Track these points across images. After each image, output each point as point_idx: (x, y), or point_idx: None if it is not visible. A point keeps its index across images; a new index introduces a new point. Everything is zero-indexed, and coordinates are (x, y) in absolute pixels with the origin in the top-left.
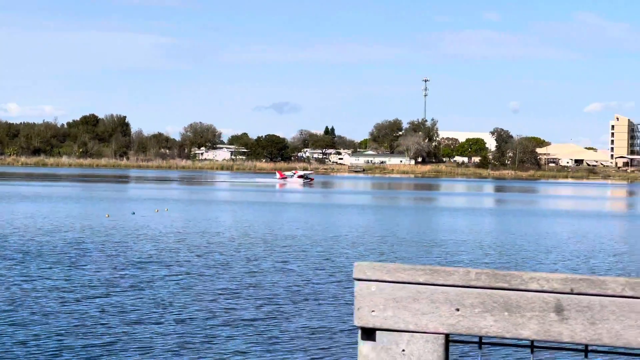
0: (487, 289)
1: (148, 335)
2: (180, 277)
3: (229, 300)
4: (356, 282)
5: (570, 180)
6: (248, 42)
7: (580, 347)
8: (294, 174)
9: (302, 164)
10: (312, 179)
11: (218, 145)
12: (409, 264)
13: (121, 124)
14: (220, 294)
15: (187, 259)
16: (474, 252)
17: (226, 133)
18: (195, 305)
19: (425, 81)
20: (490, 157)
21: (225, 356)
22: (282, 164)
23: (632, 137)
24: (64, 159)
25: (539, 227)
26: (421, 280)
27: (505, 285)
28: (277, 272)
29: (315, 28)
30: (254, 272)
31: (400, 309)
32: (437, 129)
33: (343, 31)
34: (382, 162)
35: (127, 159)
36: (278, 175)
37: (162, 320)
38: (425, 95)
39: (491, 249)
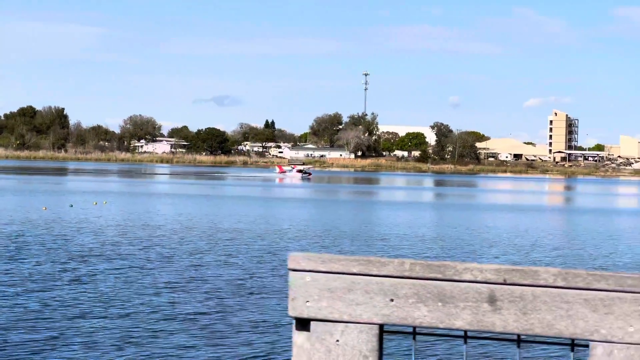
0: (421, 279)
1: (91, 330)
2: (122, 270)
3: (173, 294)
4: (290, 273)
5: (509, 174)
6: (189, 35)
7: (512, 337)
8: (293, 168)
9: (241, 157)
10: (310, 174)
11: (158, 138)
12: (344, 255)
13: (59, 116)
14: (163, 288)
15: (130, 252)
16: (416, 246)
17: (166, 126)
18: (138, 299)
19: (366, 75)
20: (430, 151)
21: (169, 350)
22: (222, 157)
23: (569, 132)
24: (1, 151)
25: (480, 221)
26: (355, 270)
27: (439, 275)
28: (221, 265)
29: (256, 21)
30: (198, 265)
31: (335, 300)
32: (377, 123)
33: (284, 24)
34: (322, 156)
35: (66, 151)
36: (278, 169)
37: (105, 314)
38: (366, 89)
39: (433, 243)
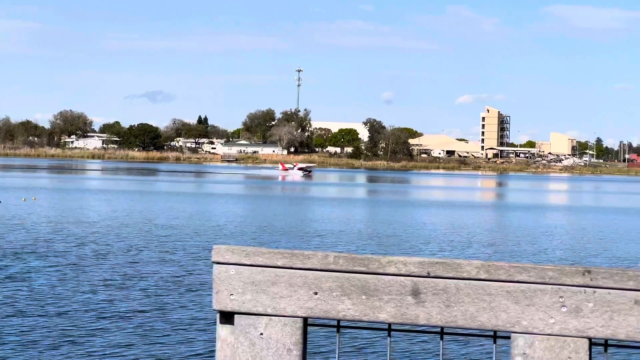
0: (345, 272)
1: (26, 328)
2: (57, 267)
3: (109, 292)
4: (215, 266)
5: (441, 171)
6: (121, 30)
7: (436, 329)
8: (294, 166)
9: (174, 153)
10: (310, 171)
11: (89, 134)
12: (268, 248)
13: None
14: (99, 285)
15: (64, 249)
16: (353, 243)
17: (98, 122)
18: (74, 297)
19: (299, 71)
20: (363, 147)
21: (106, 349)
22: (154, 153)
23: (502, 128)
24: None
25: (415, 217)
26: (280, 263)
27: (364, 269)
28: (157, 262)
29: (189, 16)
30: (133, 262)
31: (259, 293)
32: (310, 119)
33: (217, 20)
34: (254, 152)
35: None
36: (281, 167)
37: (40, 312)
38: (299, 86)
39: (369, 239)
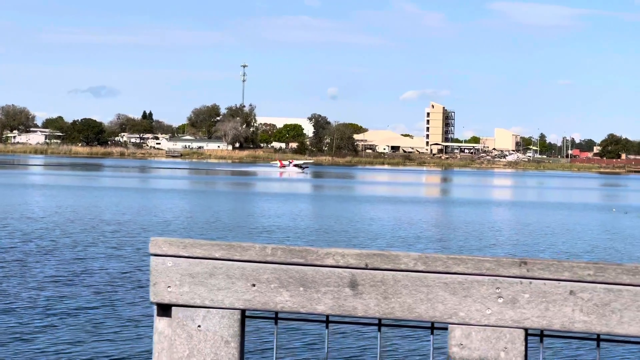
0: (283, 264)
1: None
2: (1, 264)
3: (56, 288)
4: (152, 258)
5: (386, 166)
6: (65, 24)
7: (374, 321)
8: (290, 163)
9: (119, 149)
10: (305, 167)
11: (32, 129)
12: (206, 239)
13: None
14: (45, 282)
15: (8, 245)
16: (301, 238)
17: (41, 116)
18: (20, 294)
19: (244, 67)
20: (308, 143)
21: (53, 346)
22: (98, 149)
23: (446, 124)
24: None
25: (361, 212)
26: (217, 255)
27: (302, 260)
28: (104, 258)
29: (135, 11)
30: (80, 258)
31: (197, 285)
32: (255, 114)
33: (163, 15)
34: (199, 148)
35: None
36: (279, 164)
37: None
38: (244, 81)
39: (316, 235)
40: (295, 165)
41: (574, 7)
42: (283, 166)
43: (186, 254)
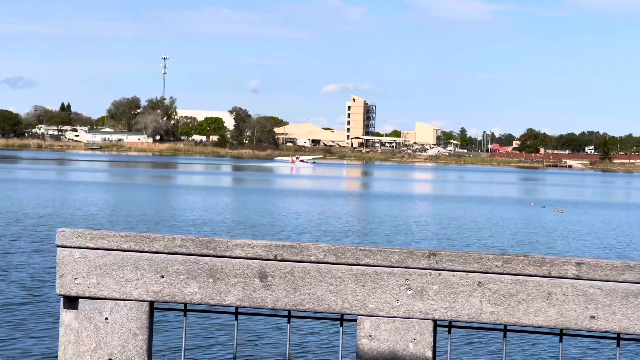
0: (192, 255)
1: None
2: None
3: None
4: (59, 250)
5: None
6: None
7: (283, 312)
8: (297, 158)
9: (36, 141)
10: (311, 162)
11: None
12: (114, 231)
13: None
14: None
15: None
16: (214, 231)
17: None
18: None
19: (165, 59)
20: (229, 136)
21: None
22: (14, 141)
23: (367, 118)
24: None
25: (284, 207)
26: (126, 247)
27: (211, 252)
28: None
29: (53, 0)
30: None
31: (105, 277)
32: (175, 107)
33: (83, 5)
34: (119, 140)
35: None
36: (290, 159)
37: None
38: (165, 74)
39: (237, 228)
40: (301, 161)
41: (495, 3)
42: (293, 162)
43: (94, 246)
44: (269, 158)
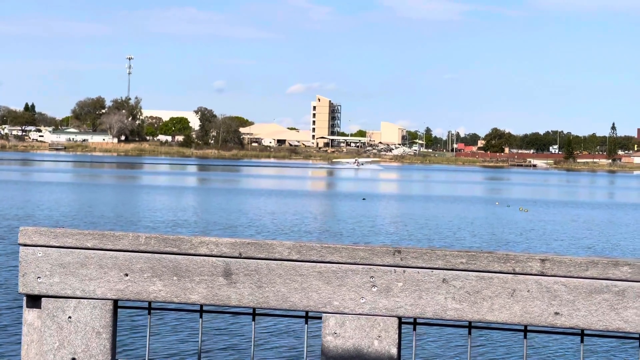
0: (156, 253)
1: None
2: None
3: None
4: (21, 248)
5: (272, 160)
6: None
7: (248, 310)
8: (356, 160)
9: None
10: (361, 164)
11: None
12: (78, 229)
13: None
14: None
15: None
16: (180, 228)
17: None
18: None
19: (130, 59)
20: (194, 136)
21: None
22: None
23: (333, 118)
24: None
25: (242, 204)
26: (89, 245)
27: (175, 249)
28: None
29: (17, 0)
30: None
31: (68, 275)
32: (141, 107)
33: (47, 4)
34: (84, 140)
35: None
36: (354, 161)
37: None
38: (130, 73)
39: (200, 224)
40: (359, 162)
41: (459, 3)
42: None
43: (57, 244)
44: (235, 158)
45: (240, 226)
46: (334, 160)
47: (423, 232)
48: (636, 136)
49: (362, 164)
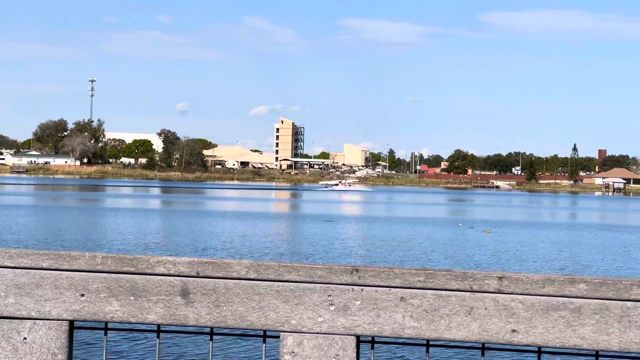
0: (113, 273)
1: None
2: None
3: None
4: None
5: (236, 182)
6: None
7: (206, 329)
8: (343, 182)
9: None
10: (350, 184)
11: None
12: (33, 249)
13: None
14: None
15: None
16: (136, 249)
17: None
18: None
19: (92, 81)
20: (157, 158)
21: None
22: None
23: (296, 140)
24: None
25: (203, 226)
26: (45, 265)
27: (132, 269)
28: None
29: None
30: None
31: (23, 296)
32: (103, 129)
33: (8, 26)
34: (46, 163)
35: None
36: (342, 182)
37: None
38: (92, 96)
39: (157, 245)
40: (347, 183)
41: (422, 25)
42: (344, 185)
43: (12, 264)
44: (198, 180)
45: (199, 247)
46: (321, 182)
47: (382, 253)
48: (597, 157)
49: (350, 185)
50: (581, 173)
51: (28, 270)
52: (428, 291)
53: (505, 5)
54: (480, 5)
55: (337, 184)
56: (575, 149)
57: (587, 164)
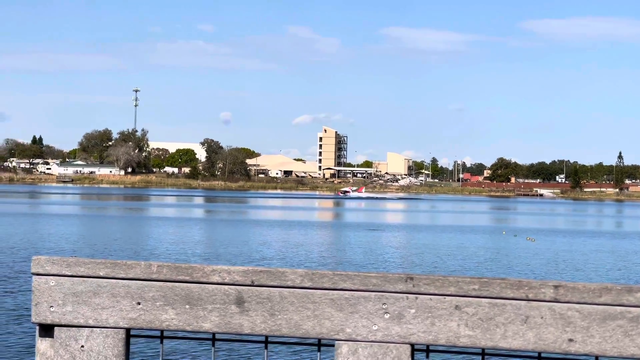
0: (168, 282)
1: None
2: None
3: None
4: (34, 277)
5: (279, 191)
6: None
7: (261, 338)
8: (353, 189)
9: (7, 174)
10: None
11: None
12: (90, 258)
13: None
14: None
15: None
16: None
17: None
18: None
19: (136, 91)
20: (201, 168)
21: None
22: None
23: (339, 149)
24: None
25: (252, 234)
26: (102, 274)
27: (187, 278)
28: None
29: (26, 34)
30: None
31: (80, 304)
32: (147, 139)
33: (54, 38)
34: (91, 173)
35: None
36: (358, 189)
37: None
38: (136, 106)
39: (210, 254)
40: (346, 191)
41: (466, 33)
42: (360, 191)
43: (69, 273)
44: (241, 189)
45: (254, 256)
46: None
47: (432, 261)
48: None
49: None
50: (627, 181)
51: (85, 279)
52: (483, 299)
53: (547, 13)
54: (522, 13)
55: (348, 191)
56: (620, 156)
57: (632, 172)
